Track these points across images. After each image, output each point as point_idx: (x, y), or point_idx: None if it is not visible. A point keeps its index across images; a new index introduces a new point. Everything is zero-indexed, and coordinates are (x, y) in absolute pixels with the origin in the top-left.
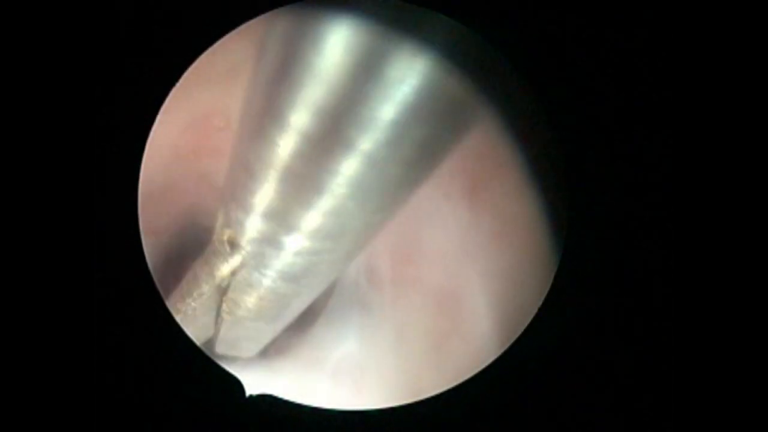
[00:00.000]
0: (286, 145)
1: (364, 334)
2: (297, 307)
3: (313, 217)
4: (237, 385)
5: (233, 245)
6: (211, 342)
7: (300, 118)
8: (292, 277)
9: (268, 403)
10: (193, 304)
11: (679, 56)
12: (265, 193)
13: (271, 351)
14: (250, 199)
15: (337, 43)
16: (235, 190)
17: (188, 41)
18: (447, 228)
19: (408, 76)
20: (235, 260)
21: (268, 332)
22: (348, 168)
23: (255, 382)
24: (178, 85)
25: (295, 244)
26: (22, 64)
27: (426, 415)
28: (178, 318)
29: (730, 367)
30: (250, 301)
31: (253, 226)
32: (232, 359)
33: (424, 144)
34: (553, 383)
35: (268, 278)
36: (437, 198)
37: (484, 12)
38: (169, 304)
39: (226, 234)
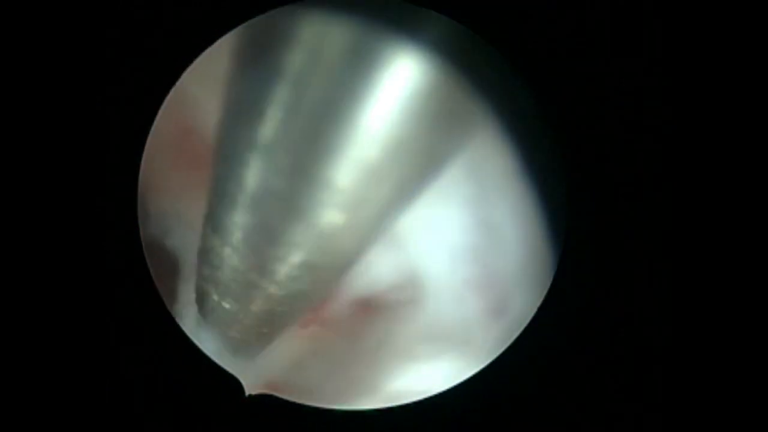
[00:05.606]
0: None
1: None
2: None
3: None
4: (237, 385)
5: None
6: None
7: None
8: None
9: (268, 403)
10: None
11: (679, 56)
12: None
13: None
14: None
15: (334, 44)
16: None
17: (188, 41)
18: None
19: (406, 77)
20: None
21: None
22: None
23: (255, 381)
24: None
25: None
26: (22, 65)
27: (426, 415)
28: None
29: (730, 366)
30: None
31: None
32: None
33: (423, 149)
34: (552, 383)
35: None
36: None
37: (483, 11)
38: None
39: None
